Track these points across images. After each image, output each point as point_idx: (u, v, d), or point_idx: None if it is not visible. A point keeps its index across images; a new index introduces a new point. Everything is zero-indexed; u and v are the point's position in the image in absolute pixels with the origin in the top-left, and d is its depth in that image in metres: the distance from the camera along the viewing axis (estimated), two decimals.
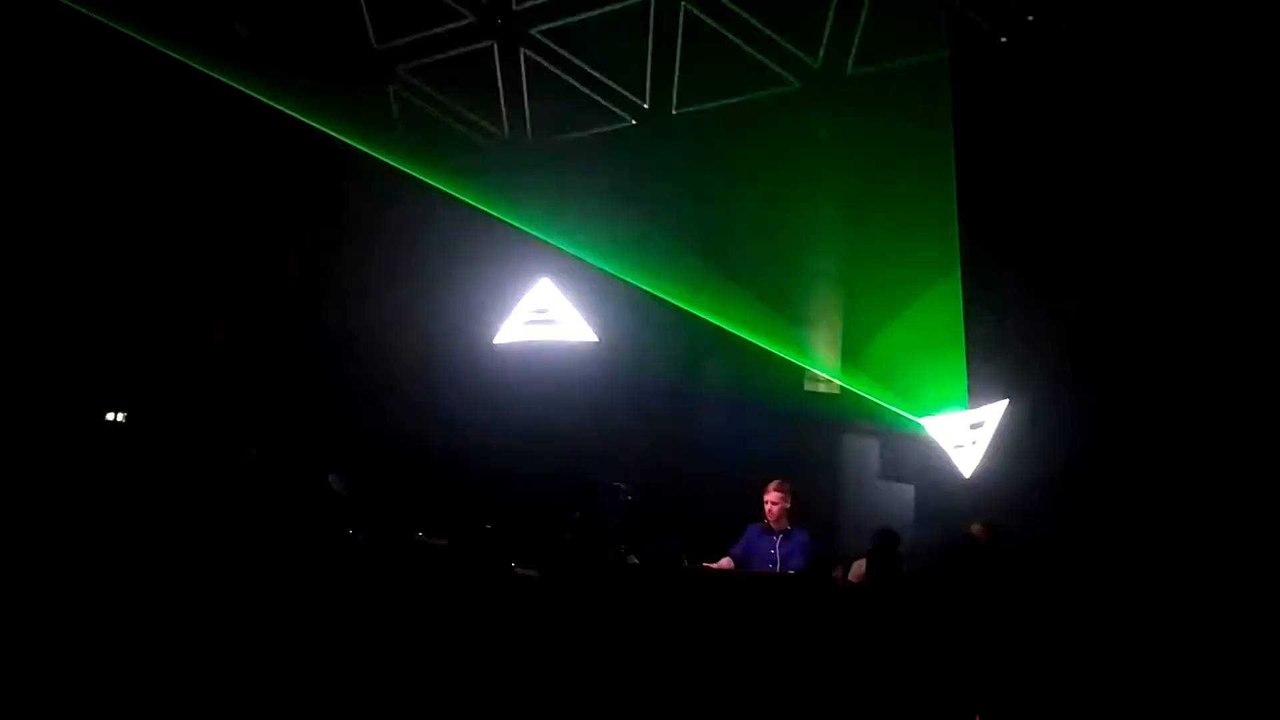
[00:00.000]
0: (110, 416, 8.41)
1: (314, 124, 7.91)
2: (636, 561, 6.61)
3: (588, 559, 6.53)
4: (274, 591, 5.91)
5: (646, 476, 7.55)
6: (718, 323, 7.98)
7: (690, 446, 8.65)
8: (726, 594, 6.00)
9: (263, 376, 8.96)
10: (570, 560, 6.47)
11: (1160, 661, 5.45)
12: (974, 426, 7.45)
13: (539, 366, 8.82)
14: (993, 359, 7.35)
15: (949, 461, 7.58)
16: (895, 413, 7.70)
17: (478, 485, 8.31)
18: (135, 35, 7.10)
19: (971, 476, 7.52)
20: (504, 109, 8.44)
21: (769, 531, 6.63)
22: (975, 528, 6.80)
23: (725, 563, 6.61)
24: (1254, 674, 5.36)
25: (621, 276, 8.21)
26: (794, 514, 6.68)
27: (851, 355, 7.87)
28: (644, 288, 8.13)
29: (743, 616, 5.73)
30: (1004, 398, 7.43)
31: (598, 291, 8.72)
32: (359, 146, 8.13)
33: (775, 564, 6.52)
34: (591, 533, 6.65)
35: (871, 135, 7.32)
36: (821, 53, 7.30)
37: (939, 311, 7.14)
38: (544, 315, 8.94)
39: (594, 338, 8.81)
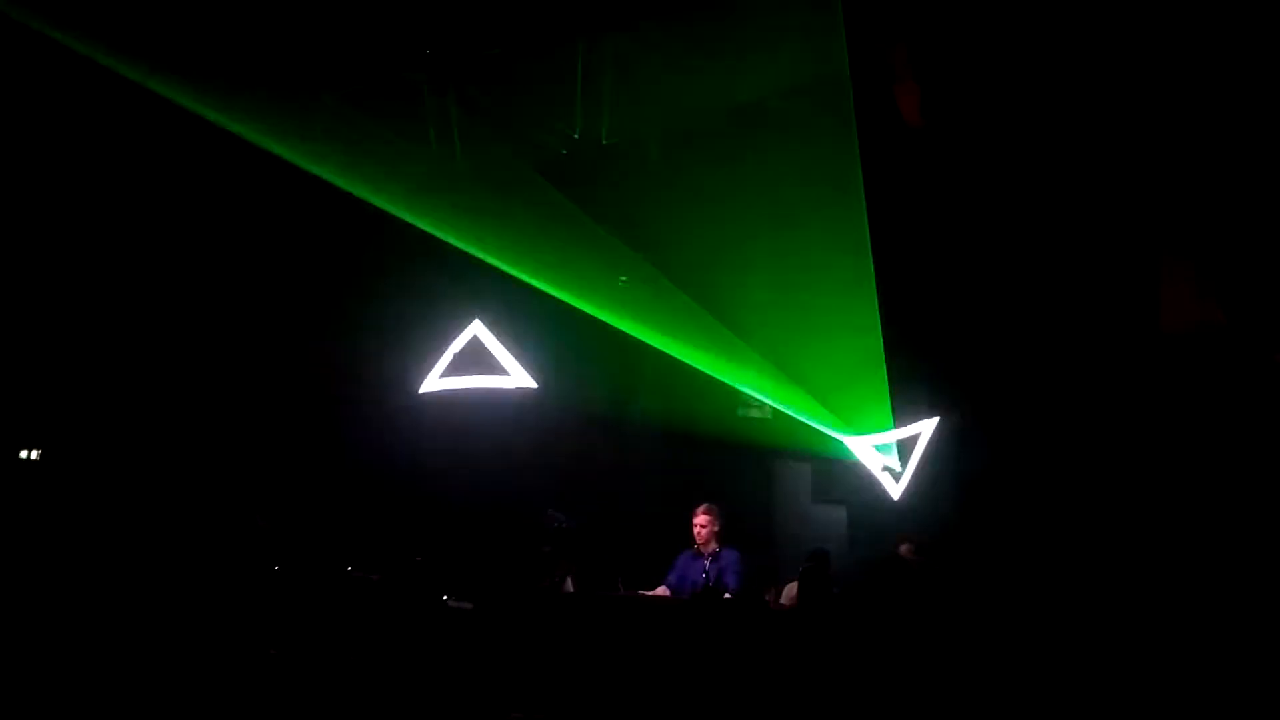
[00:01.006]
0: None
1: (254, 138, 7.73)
2: (572, 590, 6.61)
3: (523, 589, 6.51)
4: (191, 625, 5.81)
5: (582, 505, 7.54)
6: (654, 344, 8.04)
7: (624, 474, 8.67)
8: (660, 619, 6.02)
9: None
10: (505, 592, 6.44)
11: (1089, 671, 5.58)
12: (899, 447, 7.62)
13: (474, 398, 8.75)
14: (914, 383, 7.54)
15: (878, 483, 7.73)
16: (825, 435, 7.83)
17: (413, 518, 8.23)
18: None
19: (900, 497, 7.67)
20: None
21: (698, 555, 6.66)
22: (904, 547, 6.95)
23: (661, 592, 6.63)
24: (1184, 684, 5.49)
25: (557, 297, 8.17)
26: (726, 537, 6.73)
27: (780, 379, 7.99)
28: (579, 309, 8.13)
29: (677, 641, 5.76)
30: (926, 419, 7.62)
31: (532, 320, 8.68)
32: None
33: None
34: (533, 559, 6.64)
35: (786, 162, 7.47)
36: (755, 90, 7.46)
37: (861, 336, 7.32)
38: (476, 362, 8.75)
39: (532, 384, 8.54)
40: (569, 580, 6.82)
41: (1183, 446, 6.72)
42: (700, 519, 6.67)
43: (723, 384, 8.06)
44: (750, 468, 8.53)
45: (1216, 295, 7.24)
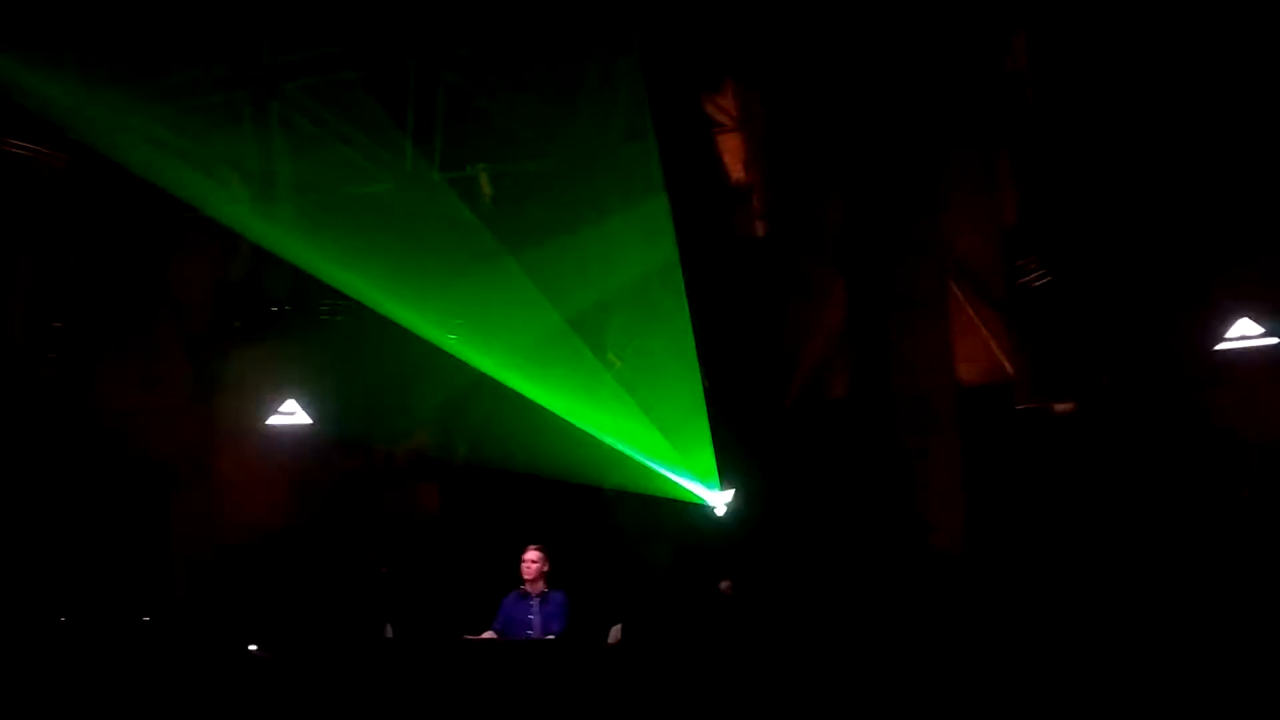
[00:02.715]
0: None
1: None
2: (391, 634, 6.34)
3: (339, 636, 6.18)
4: None
5: (408, 549, 7.29)
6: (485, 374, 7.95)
7: (451, 517, 8.46)
8: (489, 664, 5.86)
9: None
10: (318, 639, 6.09)
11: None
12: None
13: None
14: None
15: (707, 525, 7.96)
16: (656, 476, 7.99)
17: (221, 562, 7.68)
18: None
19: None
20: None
21: (525, 597, 6.58)
22: (724, 584, 7.15)
23: (488, 637, 6.47)
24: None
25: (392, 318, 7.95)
26: (554, 577, 6.68)
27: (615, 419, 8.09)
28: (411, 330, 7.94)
29: (505, 685, 5.61)
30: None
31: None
32: None
33: (533, 629, 6.47)
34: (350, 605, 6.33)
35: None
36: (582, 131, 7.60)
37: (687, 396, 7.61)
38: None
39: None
40: (388, 627, 6.54)
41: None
42: (530, 554, 6.62)
43: (556, 424, 8.05)
44: (582, 508, 8.52)
45: (1003, 350, 8.03)
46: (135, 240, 8.70)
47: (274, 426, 8.31)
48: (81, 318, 8.52)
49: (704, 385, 7.73)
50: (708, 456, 7.82)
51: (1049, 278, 7.44)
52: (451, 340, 7.95)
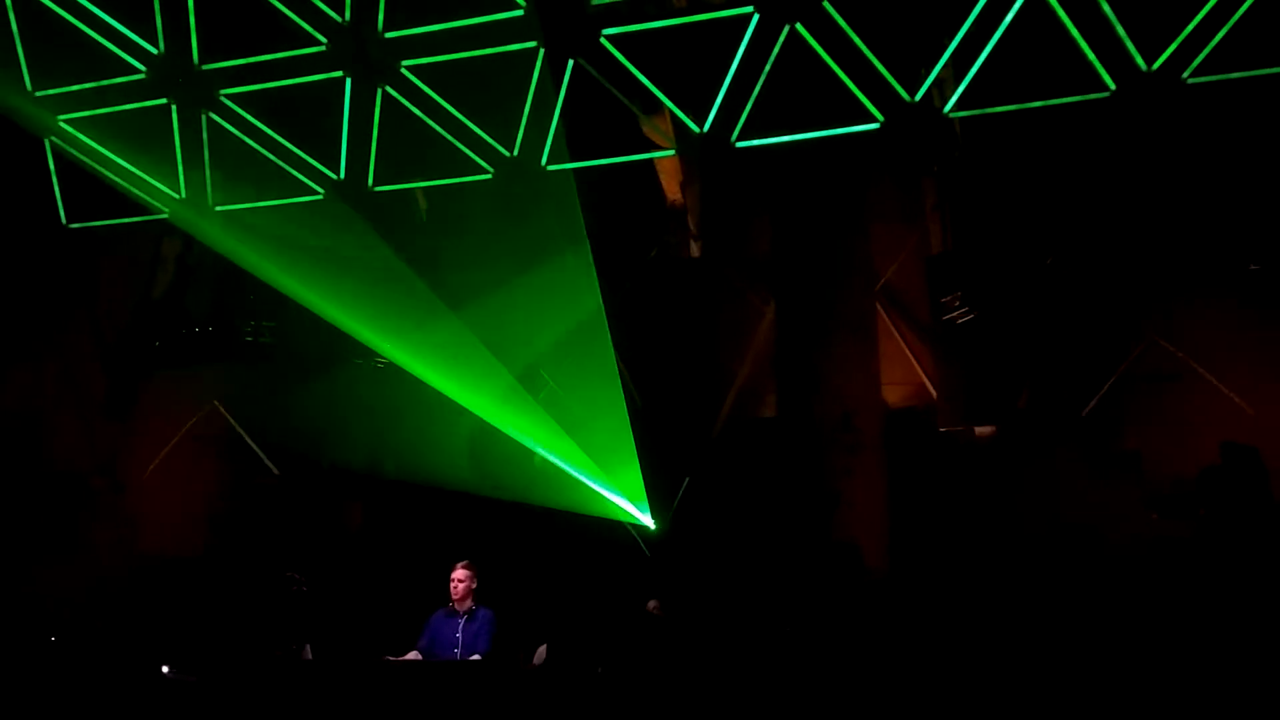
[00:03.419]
0: None
1: None
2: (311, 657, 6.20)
3: (256, 657, 6.02)
4: None
5: (331, 566, 7.15)
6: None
7: (375, 533, 8.33)
8: (409, 686, 5.77)
9: None
10: (235, 660, 5.93)
11: None
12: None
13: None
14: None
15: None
16: (586, 493, 8.00)
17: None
18: None
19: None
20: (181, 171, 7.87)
21: (453, 614, 6.51)
22: (652, 603, 7.17)
23: (413, 656, 6.37)
24: None
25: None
26: (481, 595, 6.62)
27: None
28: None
29: (427, 708, 5.53)
30: None
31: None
32: None
33: (459, 648, 6.40)
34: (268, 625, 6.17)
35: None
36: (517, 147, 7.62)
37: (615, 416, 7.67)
38: None
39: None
40: (307, 648, 6.39)
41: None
42: (459, 573, 6.55)
43: (485, 439, 8.01)
44: (508, 525, 8.47)
45: (928, 373, 8.24)
46: (58, 247, 8.45)
47: (191, 441, 8.13)
48: None
49: (636, 404, 7.78)
50: (635, 476, 7.86)
51: (972, 315, 7.66)
52: (377, 365, 7.90)
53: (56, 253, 8.42)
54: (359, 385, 8.08)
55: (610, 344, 7.57)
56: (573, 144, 7.43)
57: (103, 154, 7.73)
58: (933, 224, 8.46)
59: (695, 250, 9.27)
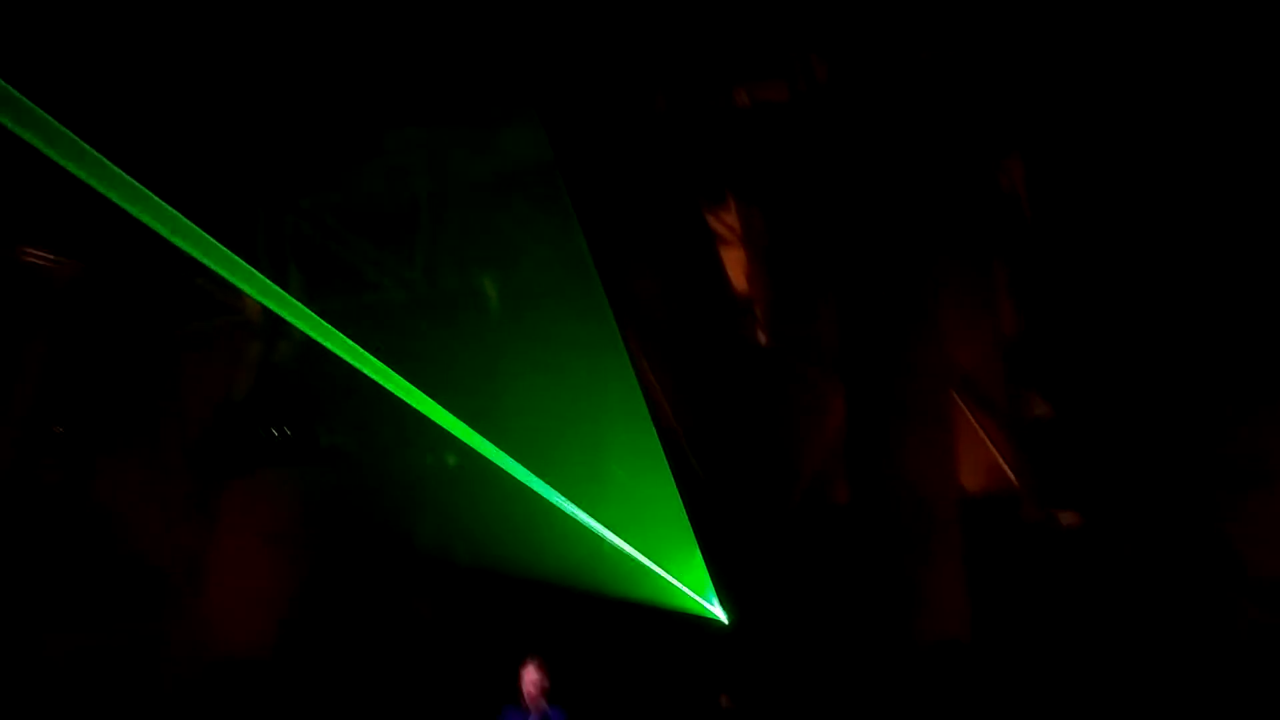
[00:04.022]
0: None
1: None
2: None
3: None
4: None
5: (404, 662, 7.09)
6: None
7: (446, 623, 8.28)
8: None
9: None
10: None
11: None
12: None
13: None
14: None
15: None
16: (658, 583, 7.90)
17: None
18: None
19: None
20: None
21: (525, 714, 6.35)
22: (724, 698, 6.99)
23: None
24: None
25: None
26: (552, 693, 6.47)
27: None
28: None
29: None
30: None
31: None
32: None
33: None
34: None
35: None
36: None
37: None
38: None
39: None
40: None
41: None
42: (531, 675, 6.35)
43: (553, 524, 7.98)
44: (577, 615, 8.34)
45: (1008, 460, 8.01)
46: (144, 347, 8.79)
47: (266, 542, 8.26)
48: (85, 422, 8.54)
49: (703, 495, 7.69)
50: (701, 568, 7.74)
51: (1052, 411, 7.49)
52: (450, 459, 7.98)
53: (143, 352, 8.71)
54: (431, 481, 8.13)
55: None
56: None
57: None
58: (1005, 309, 8.35)
59: (763, 339, 9.29)
